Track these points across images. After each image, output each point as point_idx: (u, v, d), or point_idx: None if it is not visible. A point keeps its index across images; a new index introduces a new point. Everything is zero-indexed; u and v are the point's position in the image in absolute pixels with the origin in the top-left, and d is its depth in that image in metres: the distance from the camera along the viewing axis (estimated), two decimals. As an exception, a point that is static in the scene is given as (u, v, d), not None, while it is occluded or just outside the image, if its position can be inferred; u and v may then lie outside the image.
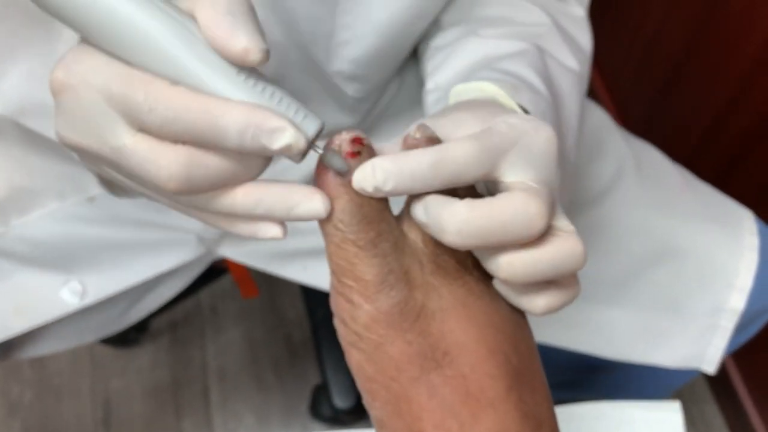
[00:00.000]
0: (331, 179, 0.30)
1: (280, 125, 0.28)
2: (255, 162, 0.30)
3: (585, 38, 0.56)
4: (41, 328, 0.62)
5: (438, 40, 0.54)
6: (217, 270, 0.76)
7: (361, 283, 0.30)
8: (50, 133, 0.55)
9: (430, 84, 0.51)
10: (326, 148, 0.31)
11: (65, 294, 0.59)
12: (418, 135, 0.32)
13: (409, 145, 0.32)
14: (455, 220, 0.29)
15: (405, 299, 0.31)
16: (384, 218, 0.31)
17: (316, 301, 1.20)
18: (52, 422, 1.21)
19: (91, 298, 0.61)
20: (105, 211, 0.60)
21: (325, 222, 0.31)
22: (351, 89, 0.54)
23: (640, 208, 0.64)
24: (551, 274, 0.31)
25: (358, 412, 1.12)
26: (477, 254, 0.32)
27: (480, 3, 0.53)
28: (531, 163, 0.31)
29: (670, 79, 1.05)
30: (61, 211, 0.59)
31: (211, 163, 0.28)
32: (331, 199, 0.30)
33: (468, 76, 0.46)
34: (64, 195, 0.59)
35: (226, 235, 0.64)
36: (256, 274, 0.73)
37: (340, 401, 1.10)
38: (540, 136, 0.32)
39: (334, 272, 0.32)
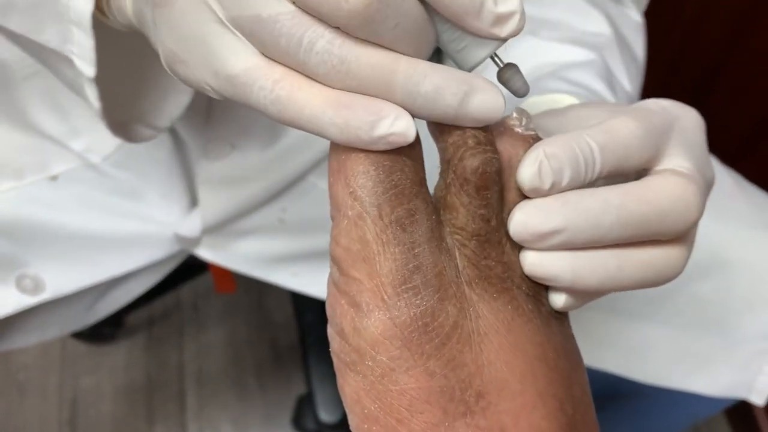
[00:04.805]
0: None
1: None
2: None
3: (640, 47, 0.52)
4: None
5: None
6: (200, 264, 0.69)
7: (376, 281, 0.22)
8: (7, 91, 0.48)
9: None
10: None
11: (14, 290, 0.52)
12: (518, 125, 0.26)
13: (516, 140, 0.26)
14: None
15: (433, 311, 0.23)
16: (420, 194, 0.23)
17: (305, 303, 1.13)
18: (12, 421, 1.12)
19: (49, 294, 0.54)
20: (69, 194, 0.53)
21: (338, 187, 0.23)
22: None
23: None
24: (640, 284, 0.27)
25: (345, 428, 1.05)
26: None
27: (538, 1, 0.49)
28: (690, 150, 0.28)
29: (704, 83, 0.98)
30: (17, 191, 0.52)
31: None
32: (346, 158, 0.23)
33: (532, 83, 0.41)
34: (22, 173, 0.52)
35: (205, 234, 0.57)
36: (240, 270, 0.65)
37: (326, 414, 1.02)
38: (692, 121, 0.29)
39: (339, 261, 0.23)
